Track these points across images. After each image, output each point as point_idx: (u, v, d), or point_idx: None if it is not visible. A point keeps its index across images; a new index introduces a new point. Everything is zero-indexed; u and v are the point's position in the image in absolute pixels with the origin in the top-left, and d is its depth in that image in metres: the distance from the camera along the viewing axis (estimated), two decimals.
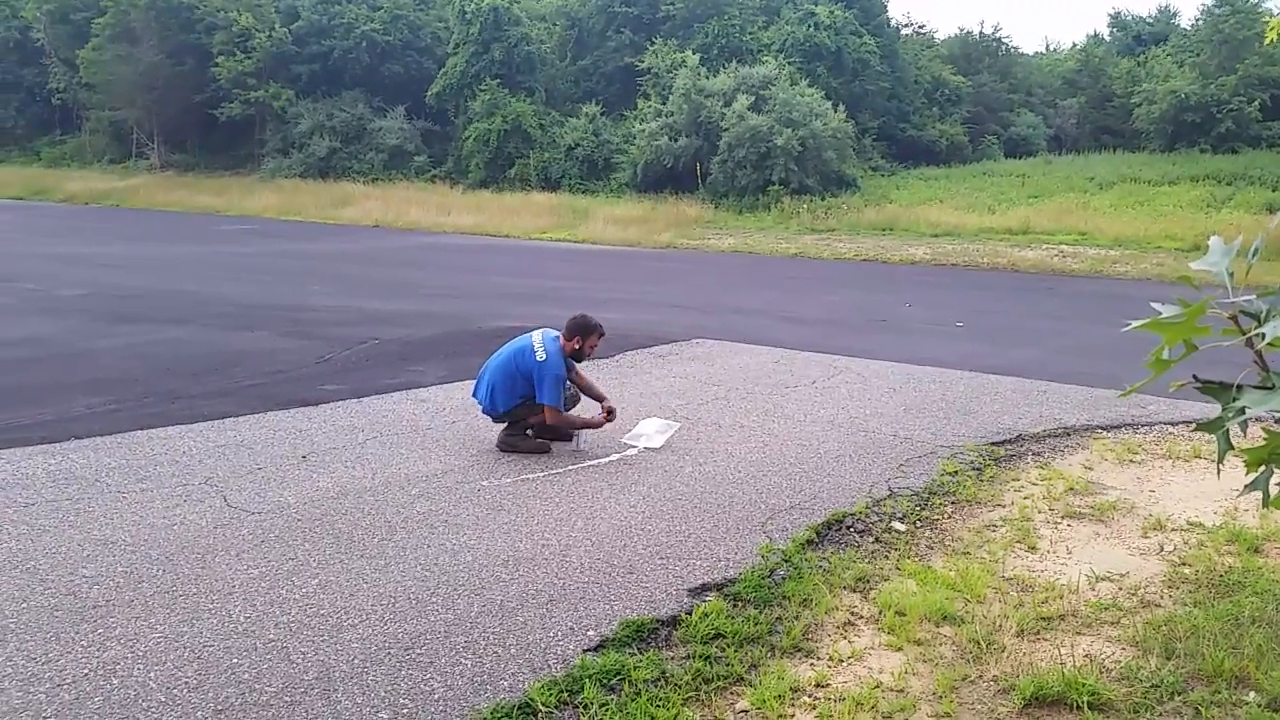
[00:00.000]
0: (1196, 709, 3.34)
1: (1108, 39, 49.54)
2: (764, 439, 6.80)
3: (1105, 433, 7.38)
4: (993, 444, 6.93)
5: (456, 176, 36.99)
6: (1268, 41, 3.47)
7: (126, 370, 8.76)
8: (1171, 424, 7.69)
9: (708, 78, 31.96)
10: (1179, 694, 3.44)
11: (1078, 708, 3.32)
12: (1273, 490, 1.31)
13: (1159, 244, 21.95)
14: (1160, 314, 1.31)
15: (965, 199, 28.85)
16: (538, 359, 6.33)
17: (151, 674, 3.34)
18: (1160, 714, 3.33)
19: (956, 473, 6.17)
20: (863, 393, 8.38)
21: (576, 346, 6.57)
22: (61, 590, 4.00)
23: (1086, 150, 38.58)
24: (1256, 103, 33.00)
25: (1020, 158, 37.97)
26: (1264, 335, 1.24)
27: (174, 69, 41.38)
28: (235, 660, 3.45)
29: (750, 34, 37.70)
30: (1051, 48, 55.65)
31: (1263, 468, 1.30)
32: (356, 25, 39.99)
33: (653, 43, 36.92)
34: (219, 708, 3.13)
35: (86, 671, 3.34)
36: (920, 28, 45.93)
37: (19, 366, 8.80)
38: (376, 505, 5.17)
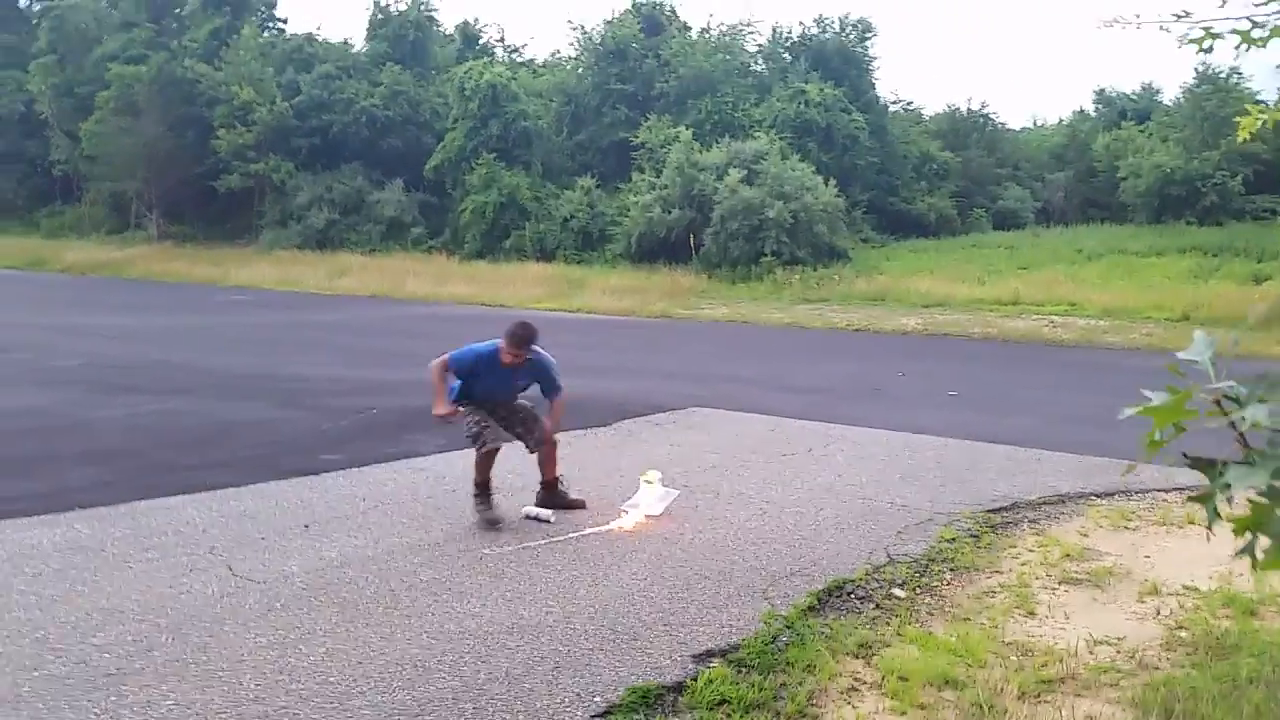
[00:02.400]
0: None
1: (1093, 115, 50.61)
2: (763, 506, 6.86)
3: (1100, 500, 7.45)
4: (989, 511, 7.00)
5: (453, 247, 37.36)
6: (1240, 140, 3.65)
7: (125, 441, 8.78)
8: (1164, 491, 7.77)
9: (701, 152, 32.55)
10: None
11: None
12: (1260, 555, 1.43)
13: (1148, 314, 22.20)
14: (1151, 401, 1.47)
15: (955, 270, 29.22)
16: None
17: None
18: None
19: (954, 540, 6.23)
20: (859, 460, 8.46)
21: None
22: (73, 659, 4.03)
23: (1074, 222, 39.19)
24: (1239, 177, 33.67)
25: (1008, 230, 38.55)
26: (1245, 418, 1.40)
27: (175, 141, 42.06)
28: None
29: (742, 110, 38.48)
30: (1038, 123, 56.86)
31: (1249, 535, 1.41)
32: (357, 100, 40.75)
33: (647, 118, 37.65)
34: None
35: None
36: (908, 105, 46.94)
37: (15, 438, 8.79)
38: (380, 574, 5.21)
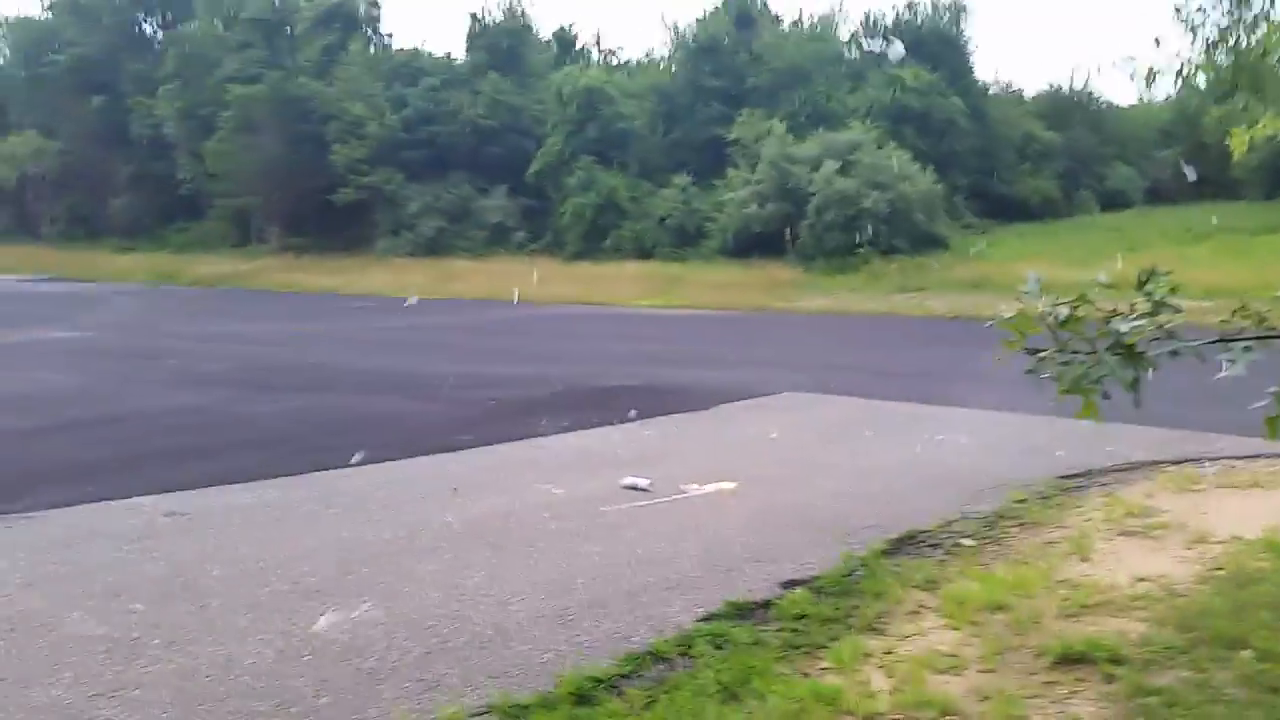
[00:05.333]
0: (1197, 663, 4.07)
1: (1201, 88, 49.05)
2: (850, 474, 7.62)
3: (1171, 467, 7.90)
4: (1062, 477, 7.53)
5: (555, 249, 38.65)
6: (1235, 157, 4.12)
7: (281, 431, 9.98)
8: (1236, 458, 8.14)
9: (795, 145, 33.01)
10: (1185, 653, 4.16)
11: (1098, 663, 4.08)
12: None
13: (1253, 293, 21.83)
14: (1004, 315, 2.73)
15: (1059, 254, 29.01)
16: None
17: (372, 631, 4.47)
18: (1168, 667, 4.07)
19: (1024, 500, 6.83)
20: (945, 435, 9.06)
21: None
22: (289, 579, 5.18)
23: (1184, 201, 38.24)
24: None
25: (1117, 210, 37.90)
26: (1054, 319, 2.43)
27: (292, 157, 44.26)
28: (432, 623, 4.56)
29: (836, 99, 38.69)
30: (1145, 100, 55.29)
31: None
32: (460, 111, 42.42)
33: (740, 113, 38.19)
34: (427, 651, 4.22)
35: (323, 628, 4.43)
36: (1009, 85, 46.26)
37: (187, 430, 9.97)
38: (519, 523, 6.27)
